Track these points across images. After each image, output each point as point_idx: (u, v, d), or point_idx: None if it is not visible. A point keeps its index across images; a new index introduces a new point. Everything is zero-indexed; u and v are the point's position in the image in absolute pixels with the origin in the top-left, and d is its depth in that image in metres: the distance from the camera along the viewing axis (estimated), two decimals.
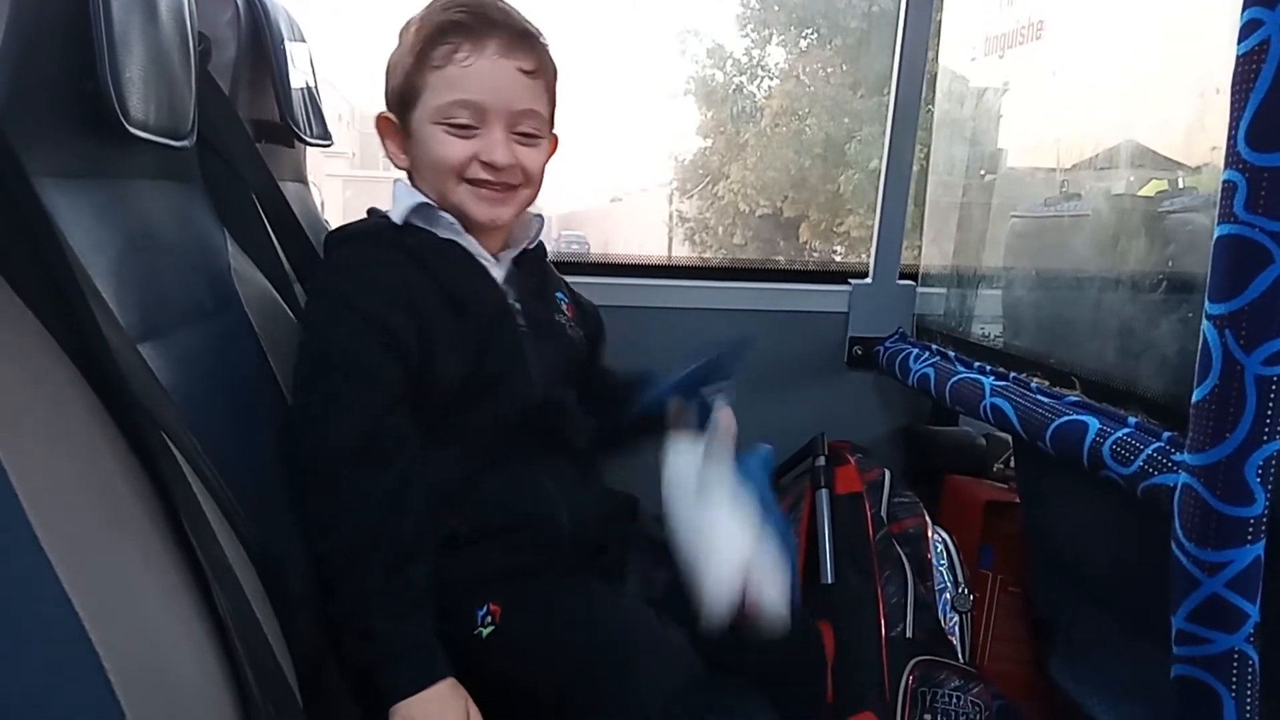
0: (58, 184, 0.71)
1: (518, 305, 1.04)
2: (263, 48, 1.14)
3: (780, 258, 13.05)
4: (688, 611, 1.04)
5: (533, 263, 1.10)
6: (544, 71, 1.01)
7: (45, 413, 0.57)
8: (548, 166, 1.07)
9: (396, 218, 1.01)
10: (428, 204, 1.01)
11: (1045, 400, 1.10)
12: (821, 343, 1.69)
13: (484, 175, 0.99)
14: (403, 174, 1.06)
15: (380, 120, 1.05)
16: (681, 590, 1.09)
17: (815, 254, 12.80)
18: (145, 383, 0.66)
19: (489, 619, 0.98)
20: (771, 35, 13.31)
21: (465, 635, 0.98)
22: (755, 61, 13.52)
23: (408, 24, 1.02)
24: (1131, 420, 0.98)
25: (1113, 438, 0.97)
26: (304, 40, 1.28)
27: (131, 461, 0.61)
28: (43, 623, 0.48)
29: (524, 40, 0.99)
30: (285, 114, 1.17)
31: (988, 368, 1.26)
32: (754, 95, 13.43)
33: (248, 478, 0.86)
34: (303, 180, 1.40)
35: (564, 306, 1.12)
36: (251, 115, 1.16)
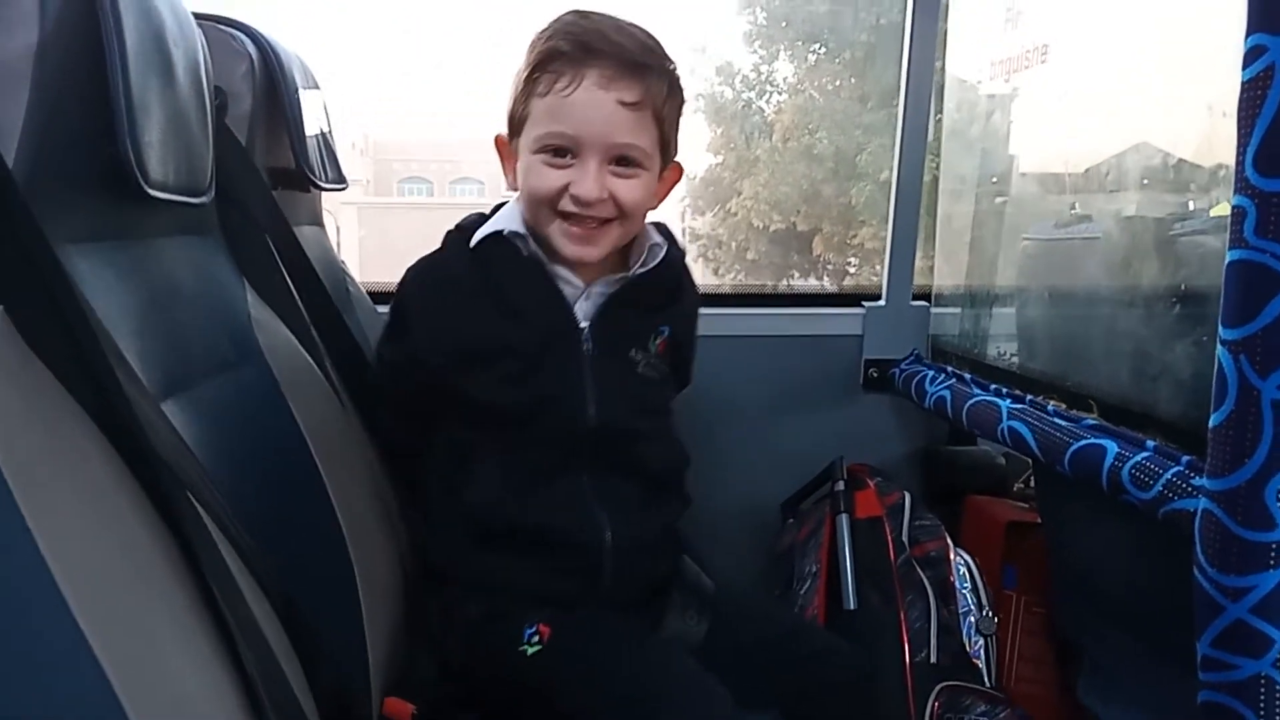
0: (80, 249, 0.73)
1: (586, 327, 1.04)
2: (278, 98, 1.16)
3: (795, 272, 13.04)
4: (723, 659, 1.03)
5: (639, 289, 1.06)
6: (651, 102, 0.98)
7: (70, 476, 0.58)
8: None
9: (472, 242, 1.05)
10: (505, 233, 1.03)
11: (1063, 423, 1.10)
12: (837, 366, 1.69)
13: (573, 209, 0.98)
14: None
15: (498, 141, 1.06)
16: (719, 637, 1.09)
17: (830, 266, 12.78)
18: (168, 441, 0.67)
19: (536, 638, 1.00)
20: (779, 51, 13.35)
21: (512, 648, 1.00)
22: (764, 77, 13.56)
23: (531, 41, 1.01)
24: (1150, 444, 0.97)
25: (1132, 462, 0.96)
26: (318, 87, 1.30)
27: (156, 521, 0.62)
28: (72, 686, 0.49)
29: (629, 70, 0.96)
30: (301, 161, 1.19)
31: (1004, 390, 1.26)
32: (763, 111, 13.46)
33: (272, 528, 0.87)
34: (319, 224, 1.42)
35: (656, 342, 1.09)
36: (268, 164, 1.18)
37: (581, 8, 1.01)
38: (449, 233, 1.10)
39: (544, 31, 0.99)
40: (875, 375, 1.67)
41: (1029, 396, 1.20)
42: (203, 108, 0.91)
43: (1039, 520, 1.47)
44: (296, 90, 1.19)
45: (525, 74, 0.98)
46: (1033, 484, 1.56)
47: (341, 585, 0.97)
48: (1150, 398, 1.02)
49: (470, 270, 1.04)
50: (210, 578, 0.63)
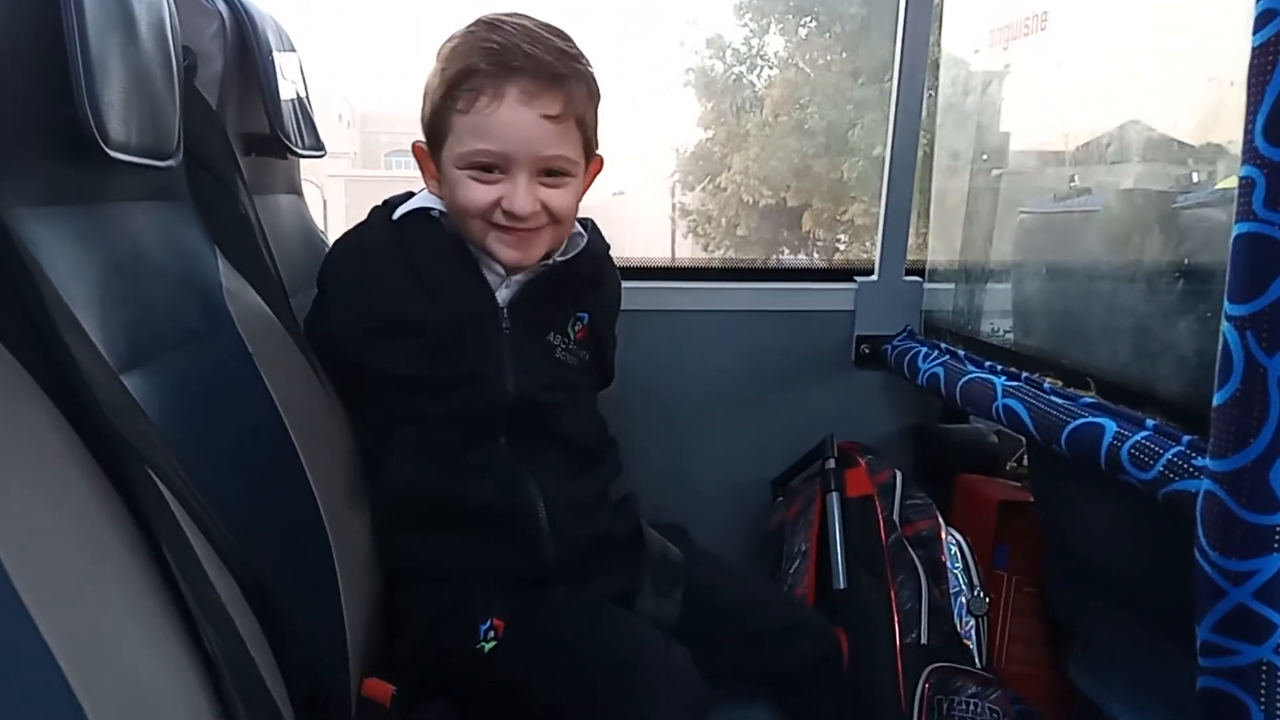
0: (34, 213, 0.69)
1: (505, 308, 1.05)
2: (250, 59, 1.12)
3: (784, 249, 13.00)
4: (699, 632, 1.02)
5: (559, 277, 1.08)
6: (572, 111, 0.99)
7: (19, 450, 0.55)
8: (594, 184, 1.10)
9: (396, 215, 1.05)
10: (430, 211, 1.05)
11: (1059, 401, 1.08)
12: (828, 342, 1.66)
13: (506, 222, 1.00)
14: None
15: (416, 149, 1.06)
16: (694, 611, 1.08)
17: (819, 243, 12.75)
18: (127, 415, 0.64)
19: (492, 634, 0.99)
20: (770, 24, 13.24)
21: (468, 648, 0.98)
22: (755, 51, 13.46)
23: (441, 49, 1.01)
24: (1150, 423, 0.95)
25: (1131, 441, 0.94)
26: (293, 50, 1.25)
27: (113, 499, 0.59)
28: (21, 670, 0.46)
29: (549, 84, 0.97)
30: (275, 126, 1.15)
31: (999, 367, 1.24)
32: (754, 85, 13.37)
33: (245, 506, 0.84)
34: (297, 192, 1.38)
35: (575, 329, 1.11)
36: (241, 129, 1.14)
37: (492, 13, 1.01)
38: (375, 208, 1.10)
39: (456, 45, 0.99)
40: (867, 352, 1.64)
41: (1024, 374, 1.18)
42: (169, 67, 0.87)
43: (1031, 499, 1.45)
44: (270, 52, 1.15)
45: (442, 90, 0.98)
46: (1026, 463, 1.54)
47: (318, 566, 0.94)
48: (1150, 375, 1.00)
49: (391, 244, 1.05)
50: (171, 559, 0.60)
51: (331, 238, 1.46)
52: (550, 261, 1.07)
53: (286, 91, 1.19)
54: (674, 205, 13.85)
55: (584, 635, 0.98)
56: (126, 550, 0.57)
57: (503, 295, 1.06)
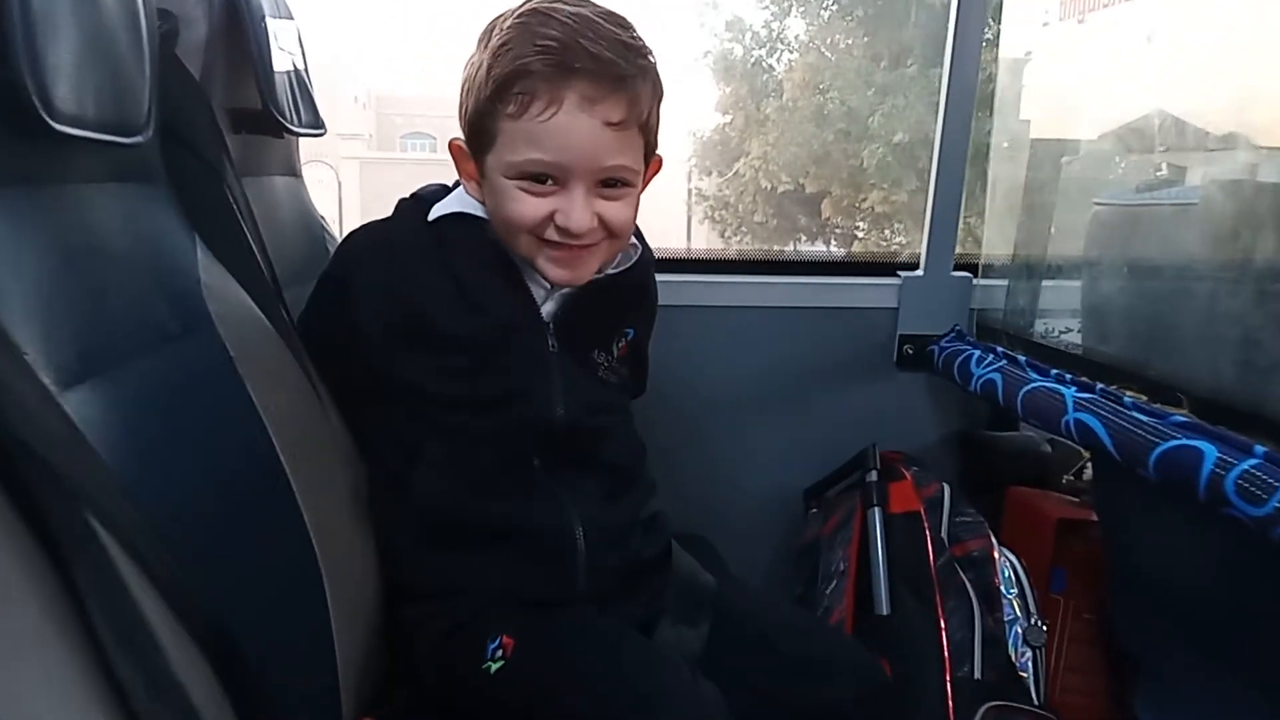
0: None
1: (552, 325, 0.97)
2: (240, 26, 1.00)
3: (802, 235, 12.85)
4: (727, 666, 0.92)
5: (609, 290, 0.99)
6: (636, 116, 0.88)
7: None
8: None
9: (432, 215, 0.95)
10: (476, 216, 0.94)
11: (1145, 419, 0.95)
12: (869, 341, 1.54)
13: (559, 238, 0.90)
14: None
15: (454, 148, 0.95)
16: (722, 641, 0.97)
17: (837, 230, 12.58)
18: (62, 447, 0.52)
19: (500, 653, 0.89)
20: (791, 6, 13.03)
21: (472, 669, 0.89)
22: (775, 34, 13.26)
23: (487, 39, 0.89)
24: (1259, 450, 0.83)
25: (1238, 470, 0.82)
26: (290, 17, 1.14)
27: (30, 548, 0.48)
28: None
29: (612, 87, 0.85)
30: (267, 100, 1.03)
31: (1068, 376, 1.11)
32: (773, 69, 13.18)
33: (219, 531, 0.74)
34: (295, 174, 1.26)
35: (619, 344, 1.03)
36: (229, 103, 1.02)
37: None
38: (403, 201, 0.99)
39: (507, 40, 0.86)
40: (910, 352, 1.52)
41: (1099, 385, 1.05)
42: (137, 29, 0.75)
43: (1092, 518, 1.33)
44: (263, 19, 1.03)
45: (489, 89, 0.87)
46: (1084, 476, 1.42)
47: (308, 600, 0.83)
48: (1258, 394, 0.87)
49: (428, 247, 0.94)
50: (102, 621, 0.48)
51: (346, 221, 1.35)
52: (601, 274, 0.97)
53: (281, 63, 1.07)
54: (690, 191, 13.69)
55: (603, 663, 0.88)
56: (46, 619, 0.46)
57: (548, 309, 0.97)
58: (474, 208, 0.95)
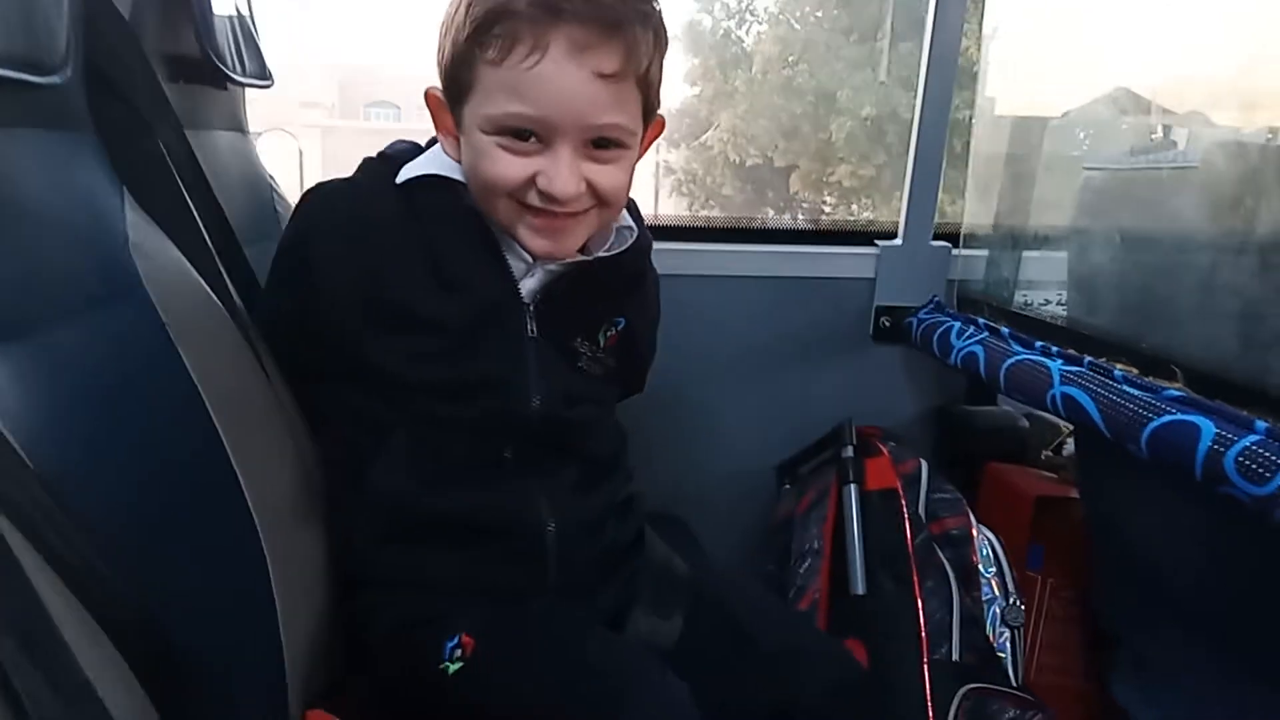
0: None
1: (531, 307, 0.87)
2: None
3: (769, 209, 12.81)
4: (701, 658, 0.88)
5: (597, 272, 0.88)
6: (633, 67, 0.78)
7: None
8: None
9: (401, 177, 0.84)
10: (451, 179, 0.84)
11: (1136, 393, 0.91)
12: (844, 313, 1.49)
13: (541, 204, 0.80)
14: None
15: (430, 97, 0.85)
16: (696, 632, 0.93)
17: (805, 204, 12.56)
18: None
19: (458, 653, 0.82)
20: None
21: (429, 670, 0.82)
22: (744, 6, 13.14)
23: None
24: (1260, 425, 0.79)
25: (1237, 447, 0.78)
26: None
27: None
28: None
29: (607, 32, 0.75)
30: (206, 46, 0.95)
31: (1053, 349, 1.07)
32: (742, 40, 13.08)
33: (151, 515, 0.68)
34: (240, 129, 1.18)
35: (607, 334, 0.93)
36: (165, 49, 0.94)
37: None
38: (368, 160, 0.89)
39: None
40: (887, 325, 1.47)
41: (1087, 358, 1.01)
42: None
43: (1070, 494, 1.30)
44: None
45: (466, 30, 0.76)
46: (1063, 452, 1.39)
47: (251, 588, 0.77)
48: (1259, 368, 0.83)
49: (399, 216, 0.84)
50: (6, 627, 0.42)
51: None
52: (589, 256, 0.87)
53: (222, 5, 0.99)
54: (658, 164, 13.59)
55: (567, 662, 0.82)
56: None
57: (528, 286, 0.87)
58: (450, 169, 0.85)
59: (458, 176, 0.84)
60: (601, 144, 0.79)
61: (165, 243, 0.82)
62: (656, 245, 1.42)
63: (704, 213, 12.96)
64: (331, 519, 0.90)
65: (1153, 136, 1.02)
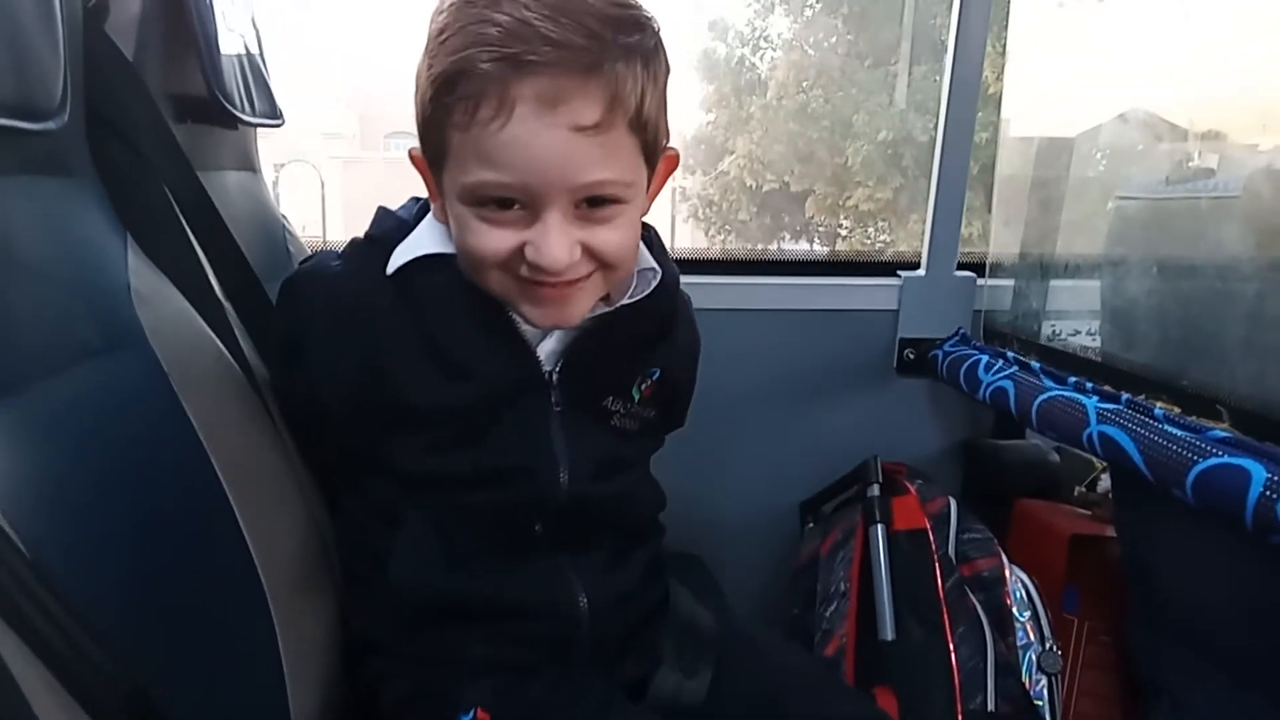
0: None
1: (555, 375, 0.79)
2: (181, 2, 0.90)
3: (785, 234, 12.79)
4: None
5: (623, 323, 0.80)
6: (621, 110, 0.68)
7: None
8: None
9: (391, 267, 0.76)
10: (446, 255, 0.77)
11: (1179, 434, 0.87)
12: (867, 345, 1.46)
13: (533, 276, 0.71)
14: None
15: (413, 157, 0.77)
16: (724, 693, 0.88)
17: (821, 229, 12.53)
18: None
19: None
20: (775, 4, 12.96)
21: None
22: (758, 33, 13.19)
23: (432, 23, 0.70)
24: None
25: None
26: None
27: None
28: None
29: (582, 79, 0.65)
30: (213, 85, 0.93)
31: (1088, 385, 1.03)
32: (756, 67, 13.11)
33: (153, 584, 0.65)
34: (252, 169, 1.16)
35: (641, 387, 0.84)
36: (172, 89, 0.92)
37: None
38: (354, 244, 0.82)
39: (444, 27, 0.67)
40: (912, 357, 1.44)
41: (1125, 395, 0.97)
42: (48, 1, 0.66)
43: (1106, 533, 1.25)
44: None
45: (430, 91, 0.68)
46: (1098, 488, 1.34)
47: (259, 656, 0.74)
48: None
49: (393, 306, 0.77)
50: None
51: (329, 222, 1.25)
52: (611, 306, 0.79)
53: (230, 44, 0.97)
54: (675, 189, 13.60)
55: None
56: None
57: (547, 351, 0.79)
58: (443, 241, 0.77)
59: (449, 249, 0.77)
60: (596, 203, 0.70)
61: (170, 290, 0.80)
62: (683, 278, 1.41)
63: (719, 237, 12.94)
64: (347, 593, 0.86)
65: (1190, 163, 0.99)
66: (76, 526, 0.60)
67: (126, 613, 0.66)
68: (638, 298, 0.79)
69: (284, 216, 1.23)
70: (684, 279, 1.41)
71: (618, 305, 0.79)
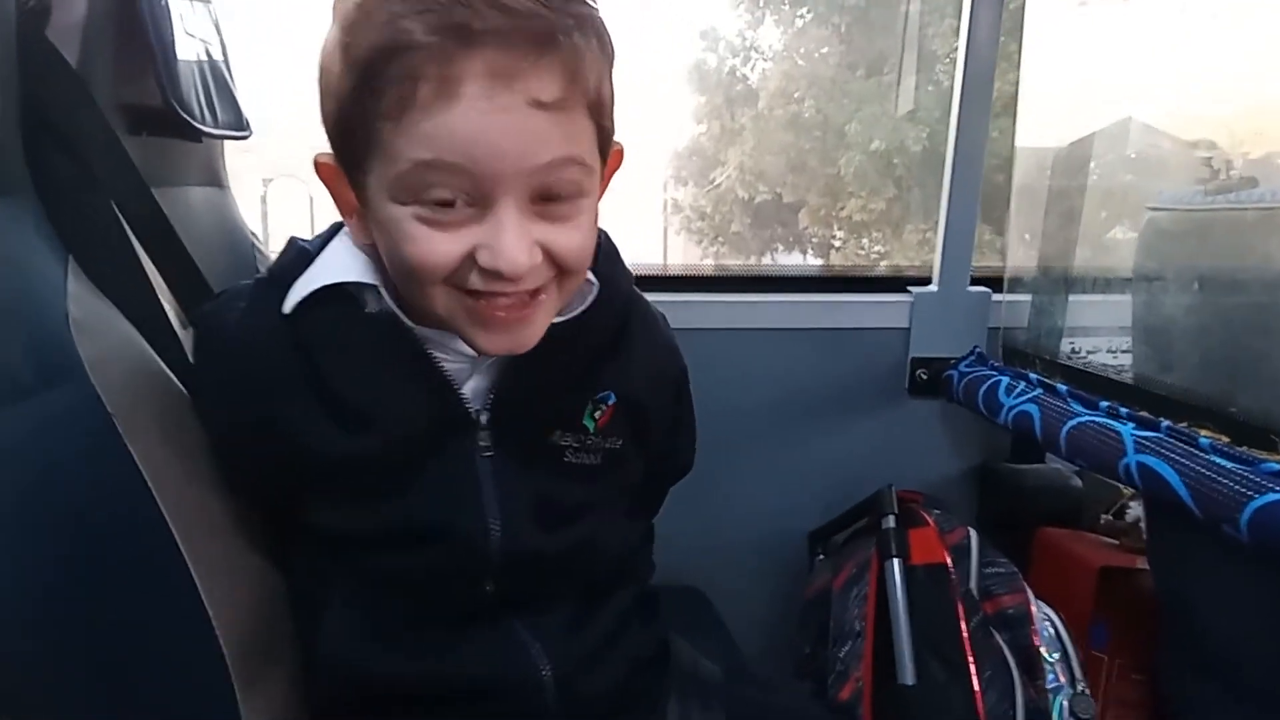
0: None
1: (483, 415, 0.70)
2: (132, 6, 0.82)
3: (779, 245, 12.75)
4: None
5: (559, 344, 0.69)
6: (580, 88, 0.59)
7: None
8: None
9: (287, 306, 0.67)
10: (344, 286, 0.67)
11: (1229, 466, 0.79)
12: (876, 365, 1.39)
13: (486, 286, 0.61)
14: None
15: (319, 165, 0.67)
16: None
17: (814, 240, 12.50)
18: None
19: None
20: (765, 15, 12.96)
21: None
22: (749, 44, 13.18)
23: (337, 4, 0.60)
24: None
25: None
26: None
27: None
28: None
29: (537, 49, 0.57)
30: (169, 95, 0.85)
31: (1122, 410, 0.95)
32: (747, 78, 13.11)
33: (89, 640, 0.60)
34: (218, 184, 1.08)
35: (595, 415, 0.73)
36: (124, 99, 0.85)
37: None
38: (259, 283, 0.71)
39: (357, 3, 0.58)
40: (924, 378, 1.36)
41: (1164, 422, 0.90)
42: None
43: (1137, 564, 1.18)
44: None
45: (350, 79, 0.58)
46: (1126, 516, 1.26)
47: None
48: None
49: (286, 352, 0.67)
50: None
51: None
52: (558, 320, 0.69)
53: (188, 50, 0.90)
54: (666, 201, 13.57)
55: None
56: None
57: (473, 388, 0.70)
58: (349, 267, 0.67)
59: (359, 277, 0.66)
60: (551, 196, 0.61)
61: (116, 318, 0.72)
62: (670, 298, 1.33)
63: (712, 249, 12.90)
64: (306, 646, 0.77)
65: (1231, 172, 0.92)
66: (8, 585, 0.53)
67: (66, 680, 0.59)
68: (571, 314, 0.70)
69: (254, 235, 1.15)
70: (683, 297, 1.36)
71: (554, 322, 0.68)
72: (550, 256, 0.62)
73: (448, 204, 0.59)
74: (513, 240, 0.59)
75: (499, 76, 0.56)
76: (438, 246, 0.60)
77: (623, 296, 0.75)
